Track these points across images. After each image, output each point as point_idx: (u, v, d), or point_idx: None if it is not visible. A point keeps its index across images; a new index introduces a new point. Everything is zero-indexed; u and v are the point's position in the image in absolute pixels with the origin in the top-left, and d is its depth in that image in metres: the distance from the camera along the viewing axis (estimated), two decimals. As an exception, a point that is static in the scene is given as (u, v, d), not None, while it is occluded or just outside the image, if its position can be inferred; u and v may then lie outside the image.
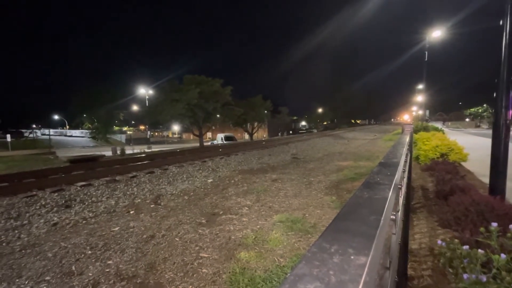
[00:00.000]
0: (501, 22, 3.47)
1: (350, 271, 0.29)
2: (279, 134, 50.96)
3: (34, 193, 5.85)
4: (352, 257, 0.32)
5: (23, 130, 45.30)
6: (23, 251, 3.51)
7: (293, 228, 3.78)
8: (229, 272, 2.77)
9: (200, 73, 23.04)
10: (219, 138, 31.12)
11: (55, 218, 4.69)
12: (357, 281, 0.27)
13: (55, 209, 5.11)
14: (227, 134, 32.83)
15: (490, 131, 3.87)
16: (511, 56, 3.41)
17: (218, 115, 25.30)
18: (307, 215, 4.36)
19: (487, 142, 7.99)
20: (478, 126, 46.65)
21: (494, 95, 3.55)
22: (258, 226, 3.95)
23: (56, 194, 5.85)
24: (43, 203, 5.32)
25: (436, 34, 17.76)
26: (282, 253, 3.13)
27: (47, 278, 2.84)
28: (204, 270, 2.85)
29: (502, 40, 3.45)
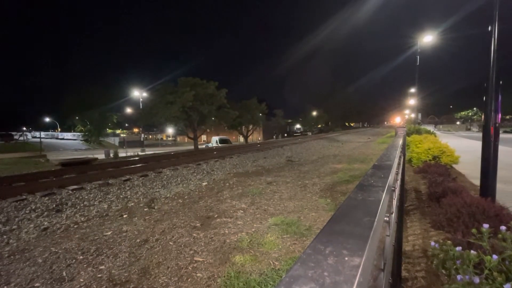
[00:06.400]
0: (489, 28, 3.56)
1: (345, 272, 0.29)
2: (274, 137, 51.06)
3: (24, 197, 5.72)
4: (346, 258, 0.32)
5: (13, 133, 44.30)
6: (11, 257, 3.42)
7: (288, 231, 3.77)
8: (224, 276, 2.75)
9: (194, 75, 23.03)
10: (214, 141, 31.02)
11: (46, 223, 4.58)
12: (351, 282, 0.27)
13: (45, 213, 5.00)
14: (222, 137, 32.77)
15: (480, 134, 3.95)
16: (499, 60, 3.50)
17: (213, 118, 25.25)
18: (302, 217, 4.37)
19: (478, 144, 8.15)
20: (469, 129, 47.57)
21: (484, 98, 3.63)
22: (253, 229, 3.94)
23: (46, 198, 5.73)
24: (33, 207, 5.21)
25: (428, 39, 18.15)
26: (277, 256, 3.12)
27: (37, 284, 2.77)
28: (198, 275, 2.82)
29: (491, 45, 3.55)
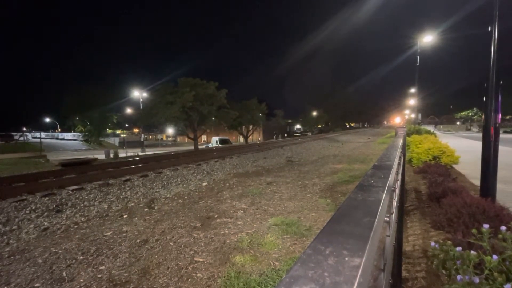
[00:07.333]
0: (489, 28, 3.56)
1: (345, 272, 0.29)
2: (274, 137, 51.06)
3: (24, 197, 5.72)
4: (346, 258, 0.32)
5: (13, 133, 44.25)
6: (11, 257, 3.42)
7: (288, 231, 3.77)
8: (224, 277, 2.74)
9: (195, 75, 23.06)
10: (214, 141, 31.01)
11: (46, 223, 4.58)
12: (352, 282, 0.27)
13: (45, 213, 5.00)
14: (222, 137, 32.76)
15: (480, 134, 3.95)
16: (499, 61, 3.50)
17: (213, 118, 25.26)
18: (302, 218, 4.36)
19: (478, 144, 8.15)
20: (469, 129, 47.55)
21: (484, 99, 3.63)
22: (253, 230, 3.93)
23: (46, 198, 5.73)
24: (33, 207, 5.21)
25: (428, 39, 18.15)
26: (277, 256, 3.12)
27: (37, 285, 2.77)
28: (198, 275, 2.82)
29: (491, 45, 3.55)
